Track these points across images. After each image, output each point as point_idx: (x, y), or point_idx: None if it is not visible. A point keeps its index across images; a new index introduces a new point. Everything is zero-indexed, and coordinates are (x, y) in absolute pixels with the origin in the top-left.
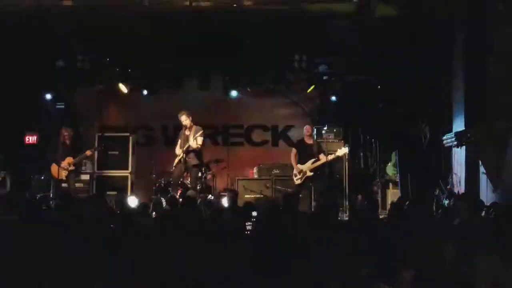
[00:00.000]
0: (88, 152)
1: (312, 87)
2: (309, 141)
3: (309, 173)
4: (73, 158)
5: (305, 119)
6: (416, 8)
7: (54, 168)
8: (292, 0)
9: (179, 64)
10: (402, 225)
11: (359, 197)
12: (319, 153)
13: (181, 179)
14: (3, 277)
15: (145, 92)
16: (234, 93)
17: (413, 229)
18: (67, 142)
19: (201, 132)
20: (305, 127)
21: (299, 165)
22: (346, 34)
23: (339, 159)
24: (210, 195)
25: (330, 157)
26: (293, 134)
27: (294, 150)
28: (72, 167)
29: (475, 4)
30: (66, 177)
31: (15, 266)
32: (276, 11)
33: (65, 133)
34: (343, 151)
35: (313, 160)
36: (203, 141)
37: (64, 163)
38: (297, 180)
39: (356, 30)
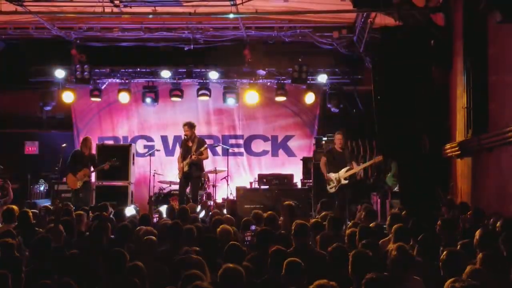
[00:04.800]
0: (106, 166)
1: (312, 97)
2: (340, 149)
3: (344, 181)
4: (89, 169)
5: (305, 129)
6: (416, 18)
7: (70, 178)
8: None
9: (179, 73)
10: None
11: (359, 207)
12: (351, 161)
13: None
14: None
15: (145, 102)
16: (234, 103)
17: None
18: (87, 153)
19: (205, 146)
20: (336, 137)
21: (332, 174)
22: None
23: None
24: (210, 202)
25: (364, 165)
26: (293, 144)
27: (323, 158)
28: (87, 178)
29: (475, 13)
30: (81, 187)
31: None
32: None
33: (88, 144)
34: (377, 158)
35: (347, 168)
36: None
37: (80, 174)
38: (330, 189)
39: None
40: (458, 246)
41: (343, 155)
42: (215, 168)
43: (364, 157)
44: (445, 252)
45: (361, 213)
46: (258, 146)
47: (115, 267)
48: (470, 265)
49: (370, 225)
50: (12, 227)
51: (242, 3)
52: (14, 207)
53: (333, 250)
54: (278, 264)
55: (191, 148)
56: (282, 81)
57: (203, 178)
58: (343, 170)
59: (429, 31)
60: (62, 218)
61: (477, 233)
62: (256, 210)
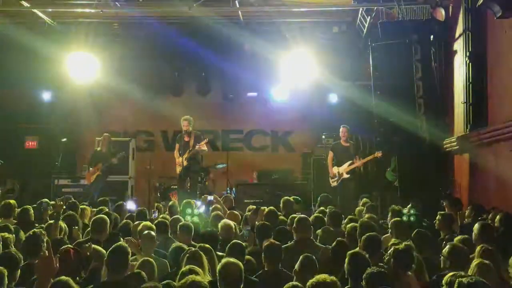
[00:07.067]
0: (114, 160)
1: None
2: (345, 143)
3: (346, 175)
4: (102, 164)
5: (304, 125)
6: (416, 13)
7: (87, 175)
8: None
9: (179, 69)
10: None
11: (359, 202)
12: (356, 155)
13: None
14: None
15: (145, 97)
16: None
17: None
18: (103, 150)
19: (206, 139)
20: (340, 130)
21: (335, 167)
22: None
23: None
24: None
25: (365, 159)
26: (293, 140)
27: (330, 153)
28: (99, 172)
29: (474, 8)
30: (95, 179)
31: None
32: None
33: (105, 141)
34: (377, 153)
35: (349, 162)
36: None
37: (92, 170)
38: (333, 182)
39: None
40: (457, 241)
41: (348, 149)
42: (215, 163)
43: (364, 152)
44: (447, 247)
45: (361, 208)
46: (258, 141)
47: (117, 263)
48: (476, 260)
49: (370, 220)
50: (11, 222)
51: None
52: (12, 201)
53: (334, 245)
54: (272, 258)
55: (189, 142)
56: None
57: (202, 173)
58: (346, 164)
59: (429, 26)
60: (66, 213)
61: (475, 227)
62: (256, 205)
